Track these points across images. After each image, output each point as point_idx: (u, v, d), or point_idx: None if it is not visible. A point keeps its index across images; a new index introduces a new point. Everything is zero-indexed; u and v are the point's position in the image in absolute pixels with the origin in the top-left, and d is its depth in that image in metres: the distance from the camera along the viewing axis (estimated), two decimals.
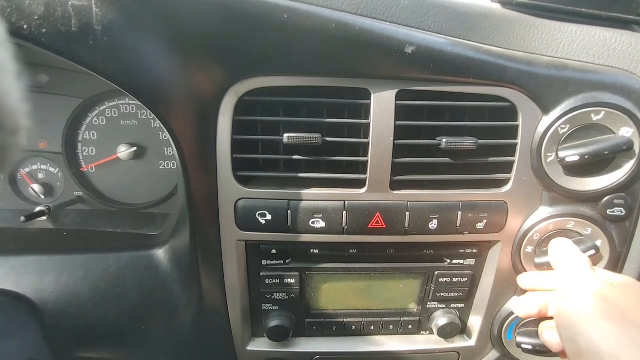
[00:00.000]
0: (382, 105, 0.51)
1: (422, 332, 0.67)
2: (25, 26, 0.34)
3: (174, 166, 0.72)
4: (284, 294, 0.62)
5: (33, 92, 0.67)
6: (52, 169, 0.70)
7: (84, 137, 0.70)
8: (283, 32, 0.45)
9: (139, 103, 0.47)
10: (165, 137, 0.71)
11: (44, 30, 0.35)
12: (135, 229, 0.62)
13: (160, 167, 0.72)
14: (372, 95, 0.51)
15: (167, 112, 0.46)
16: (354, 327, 0.65)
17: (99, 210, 0.70)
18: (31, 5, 0.34)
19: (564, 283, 0.50)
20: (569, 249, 0.53)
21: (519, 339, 0.62)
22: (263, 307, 0.63)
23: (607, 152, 0.51)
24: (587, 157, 0.51)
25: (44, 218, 0.62)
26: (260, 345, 0.65)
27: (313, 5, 0.45)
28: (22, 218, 0.58)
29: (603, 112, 0.52)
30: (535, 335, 0.62)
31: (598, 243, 0.56)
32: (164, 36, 0.42)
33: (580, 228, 0.56)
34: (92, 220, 0.64)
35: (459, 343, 0.67)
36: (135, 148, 0.69)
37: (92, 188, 0.71)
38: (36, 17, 0.34)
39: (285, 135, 0.50)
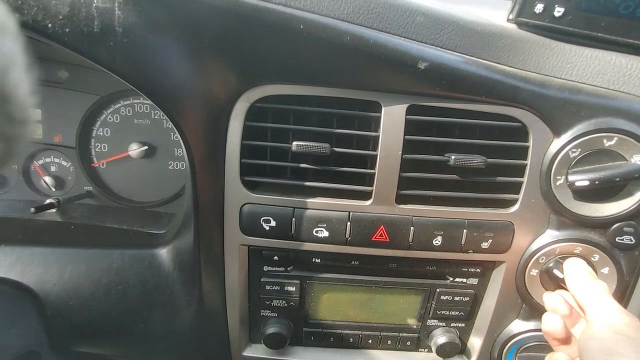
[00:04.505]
0: (392, 119, 0.51)
1: (420, 350, 0.67)
2: (50, 25, 0.36)
3: (182, 167, 0.72)
4: (283, 302, 0.61)
5: (52, 86, 0.68)
6: (64, 163, 0.72)
7: (98, 133, 0.71)
8: (298, 41, 0.45)
9: (153, 103, 0.48)
10: (176, 137, 0.72)
11: (67, 30, 0.36)
12: (140, 226, 0.63)
13: (169, 167, 0.73)
14: (383, 109, 0.51)
15: (180, 114, 0.47)
16: (351, 339, 0.65)
17: (107, 205, 0.71)
18: (57, 6, 0.35)
19: (589, 316, 0.46)
20: (585, 276, 0.50)
21: None
22: (261, 313, 0.63)
23: (618, 179, 0.50)
24: (597, 182, 0.50)
25: (53, 210, 0.63)
26: (257, 351, 0.65)
27: (329, 17, 0.45)
28: (32, 209, 0.59)
29: (616, 138, 0.51)
30: None
31: (605, 271, 0.55)
32: (182, 41, 0.43)
33: (587, 254, 0.55)
34: (99, 215, 0.65)
35: None
36: (146, 147, 0.70)
37: (102, 183, 0.72)
38: (60, 17, 0.36)
39: (294, 143, 0.51)
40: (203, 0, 0.41)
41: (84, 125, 0.70)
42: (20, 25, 0.27)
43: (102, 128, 0.71)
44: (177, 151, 0.72)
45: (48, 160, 0.72)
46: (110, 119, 0.71)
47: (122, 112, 0.71)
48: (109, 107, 0.71)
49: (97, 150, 0.72)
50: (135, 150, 0.69)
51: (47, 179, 0.70)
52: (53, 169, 0.72)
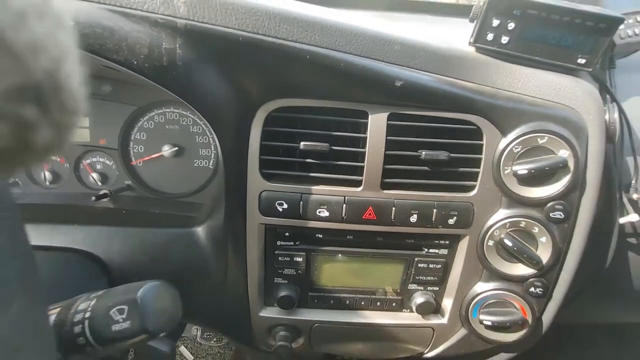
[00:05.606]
0: (377, 123, 0.64)
1: (403, 310, 0.78)
2: (135, 62, 0.50)
3: (206, 164, 0.86)
4: (293, 270, 0.73)
5: (97, 99, 0.82)
6: (108, 162, 0.85)
7: (135, 137, 0.85)
8: (306, 68, 0.59)
9: (182, 111, 0.61)
10: (201, 140, 0.86)
11: (146, 65, 0.50)
12: (176, 212, 0.77)
13: (195, 165, 0.86)
14: (370, 116, 0.63)
15: (217, 121, 0.61)
16: (347, 301, 0.76)
17: (145, 197, 0.85)
18: (140, 49, 0.49)
19: None
20: None
21: (482, 317, 0.74)
22: (275, 280, 0.75)
23: (547, 168, 0.64)
24: (533, 171, 0.64)
25: (107, 199, 0.77)
26: (271, 312, 0.77)
27: (328, 49, 0.59)
28: (93, 198, 0.72)
29: (547, 137, 0.65)
30: (495, 314, 0.75)
31: (543, 240, 0.70)
32: (221, 68, 0.57)
33: (529, 227, 0.69)
34: (143, 203, 0.79)
35: (434, 320, 0.78)
36: (176, 148, 0.83)
37: (139, 179, 0.85)
38: (142, 57, 0.50)
39: (302, 143, 0.64)
40: (237, 40, 0.55)
41: (124, 130, 0.83)
42: (115, 62, 0.42)
43: (139, 132, 0.85)
44: (202, 151, 0.86)
45: (94, 159, 0.85)
46: (146, 125, 0.85)
47: (156, 119, 0.85)
48: (145, 115, 0.84)
49: (135, 151, 0.85)
50: (167, 151, 0.83)
51: (94, 175, 0.84)
52: (99, 166, 0.85)
